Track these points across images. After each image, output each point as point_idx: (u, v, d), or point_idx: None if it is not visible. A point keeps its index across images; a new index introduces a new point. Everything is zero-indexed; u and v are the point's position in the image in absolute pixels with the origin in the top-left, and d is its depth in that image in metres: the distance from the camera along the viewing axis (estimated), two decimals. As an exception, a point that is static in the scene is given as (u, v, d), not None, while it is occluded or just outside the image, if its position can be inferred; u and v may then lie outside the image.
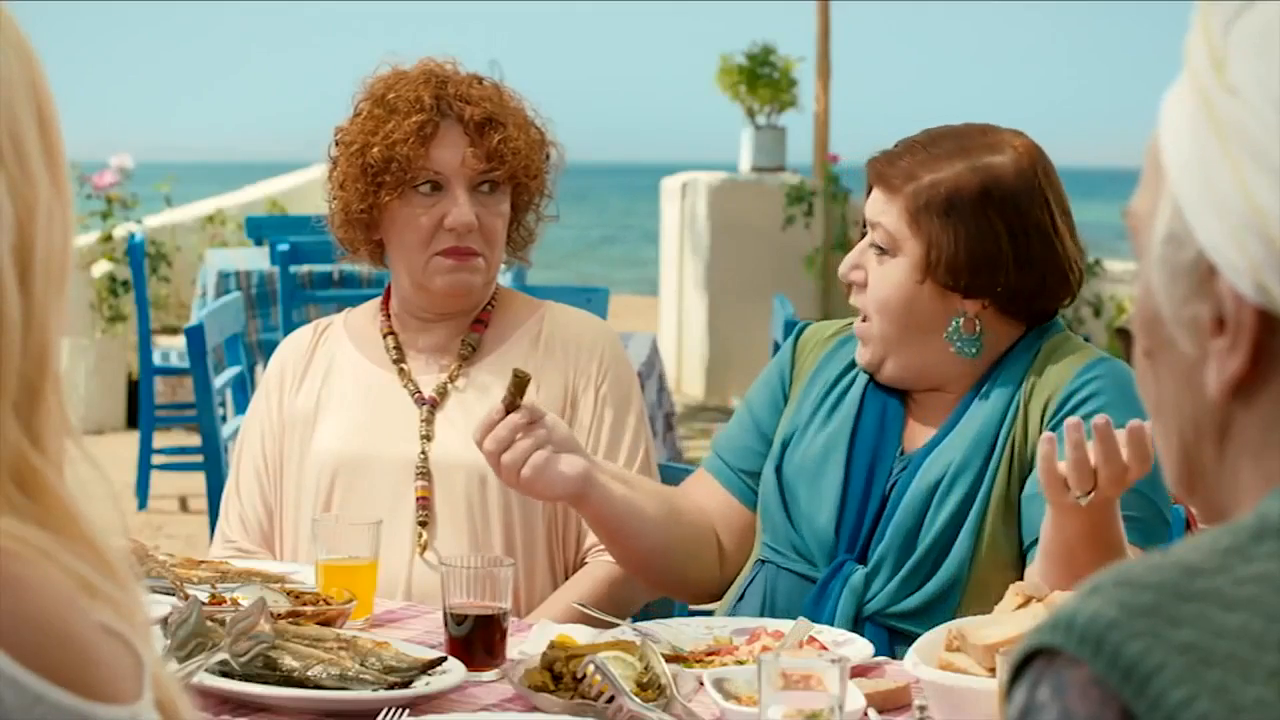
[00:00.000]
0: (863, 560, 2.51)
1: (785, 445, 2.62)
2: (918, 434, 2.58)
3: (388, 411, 2.84)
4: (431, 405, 2.83)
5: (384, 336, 2.91)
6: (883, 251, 2.53)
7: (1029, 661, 0.98)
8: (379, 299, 2.96)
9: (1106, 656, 0.94)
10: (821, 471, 2.56)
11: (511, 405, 2.46)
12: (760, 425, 2.69)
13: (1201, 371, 1.05)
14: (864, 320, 2.56)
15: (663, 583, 2.65)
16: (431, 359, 2.88)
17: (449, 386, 2.85)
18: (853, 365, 2.63)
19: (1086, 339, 2.65)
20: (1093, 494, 2.20)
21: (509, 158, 2.78)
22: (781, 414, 2.68)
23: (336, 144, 2.83)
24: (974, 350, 2.52)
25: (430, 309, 2.87)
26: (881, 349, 2.55)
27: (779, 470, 2.60)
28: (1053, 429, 2.45)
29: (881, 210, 2.53)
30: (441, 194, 2.78)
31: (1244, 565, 0.97)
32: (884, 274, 2.53)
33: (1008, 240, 2.49)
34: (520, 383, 2.46)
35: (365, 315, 2.96)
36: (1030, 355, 2.54)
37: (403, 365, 2.87)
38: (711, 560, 2.64)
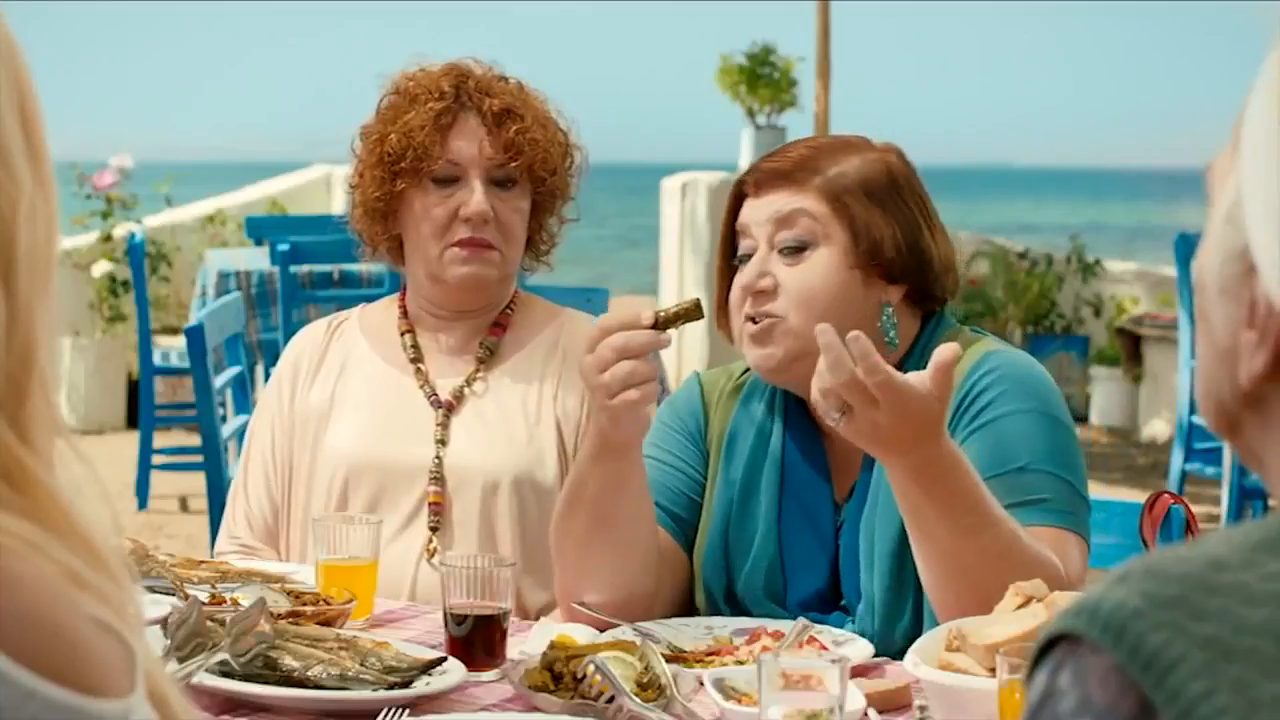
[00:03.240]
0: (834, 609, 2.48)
1: (725, 522, 2.53)
2: (844, 471, 2.53)
3: (402, 413, 2.82)
4: (447, 409, 2.82)
5: (401, 335, 2.90)
6: (799, 250, 2.46)
7: (1052, 645, 0.99)
8: (395, 296, 2.95)
9: (1128, 646, 0.95)
10: (765, 544, 2.49)
11: (665, 326, 2.31)
12: (687, 473, 2.58)
13: (1234, 356, 1.06)
14: (770, 320, 2.45)
15: (607, 582, 2.44)
16: (449, 361, 2.86)
17: (466, 391, 2.83)
18: (766, 418, 2.56)
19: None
20: (846, 414, 2.17)
21: (525, 149, 2.76)
22: (706, 465, 2.59)
23: (359, 138, 2.84)
24: (896, 342, 2.50)
25: (447, 305, 2.86)
26: (802, 345, 2.42)
27: (726, 550, 2.52)
28: (951, 434, 2.44)
29: (792, 205, 2.47)
30: (458, 185, 2.78)
31: (1272, 562, 0.98)
32: (808, 269, 2.46)
33: (923, 224, 2.52)
34: (691, 314, 2.32)
35: (382, 312, 2.95)
36: (927, 356, 2.48)
37: (420, 365, 2.86)
38: (654, 587, 2.49)
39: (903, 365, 2.47)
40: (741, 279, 2.50)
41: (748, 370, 2.62)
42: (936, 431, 2.20)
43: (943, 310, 2.56)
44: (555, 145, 2.81)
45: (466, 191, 2.77)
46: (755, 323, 2.48)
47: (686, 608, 2.56)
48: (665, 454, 2.59)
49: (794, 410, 2.56)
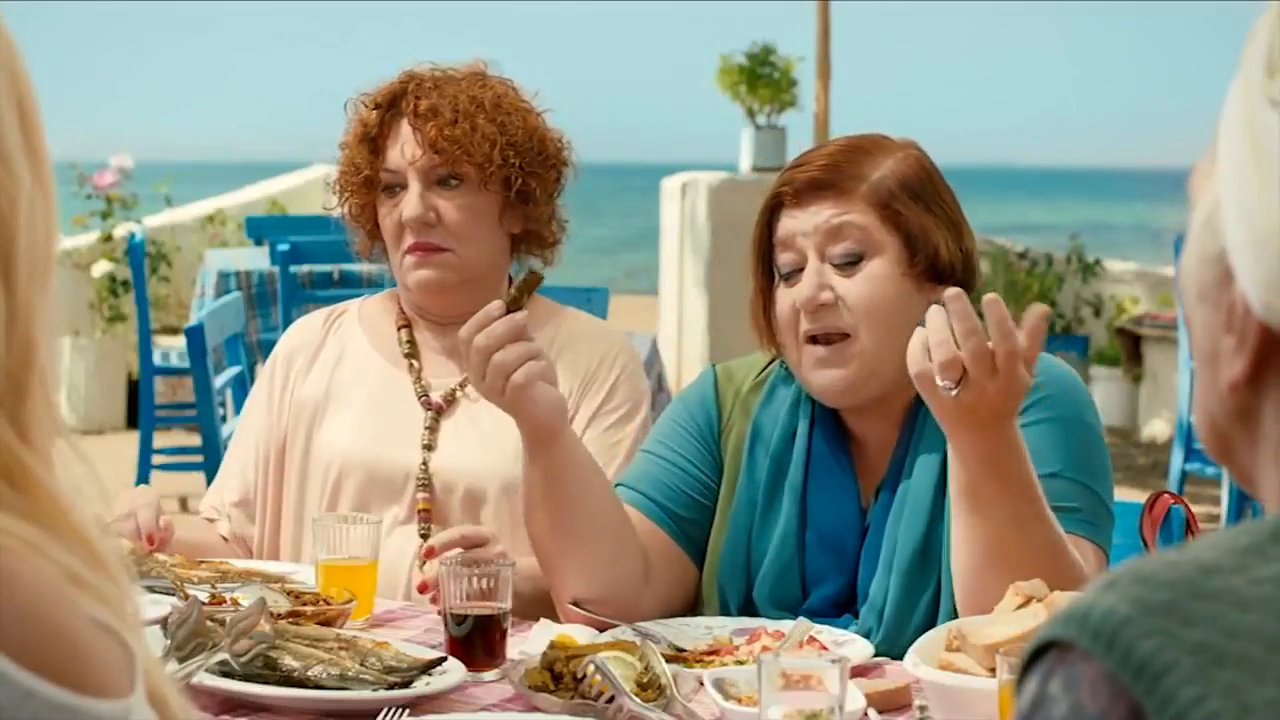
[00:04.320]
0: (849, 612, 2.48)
1: (749, 525, 2.50)
2: (870, 474, 2.51)
3: (394, 412, 2.80)
4: (437, 411, 2.80)
5: (398, 329, 2.89)
6: (854, 261, 2.43)
7: (1042, 653, 0.98)
8: (395, 290, 2.93)
9: (1119, 653, 0.94)
10: (786, 548, 2.48)
11: (515, 305, 2.34)
12: (691, 472, 2.54)
13: (1216, 361, 1.06)
14: (840, 339, 2.42)
15: (585, 573, 2.42)
16: (444, 361, 2.84)
17: (458, 394, 2.81)
18: (790, 418, 2.52)
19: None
20: (961, 384, 2.15)
21: (445, 146, 2.73)
22: (718, 466, 2.55)
23: None
24: None
25: (426, 310, 2.85)
26: (871, 364, 2.42)
27: (748, 554, 2.50)
28: None
29: (841, 217, 2.43)
30: (403, 192, 2.78)
31: (1261, 565, 0.97)
32: (866, 281, 2.42)
33: (960, 219, 2.50)
34: (531, 282, 2.36)
35: (380, 306, 2.94)
36: None
37: (414, 361, 2.85)
38: (639, 574, 2.47)
39: None
40: (800, 293, 2.44)
41: (769, 365, 2.59)
42: (1016, 409, 2.20)
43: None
44: (490, 136, 2.74)
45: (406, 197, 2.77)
46: (817, 343, 2.43)
47: (688, 608, 2.55)
48: (669, 451, 2.56)
49: (821, 410, 2.52)
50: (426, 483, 2.75)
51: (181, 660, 2.10)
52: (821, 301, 2.43)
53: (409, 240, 2.77)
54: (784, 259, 2.48)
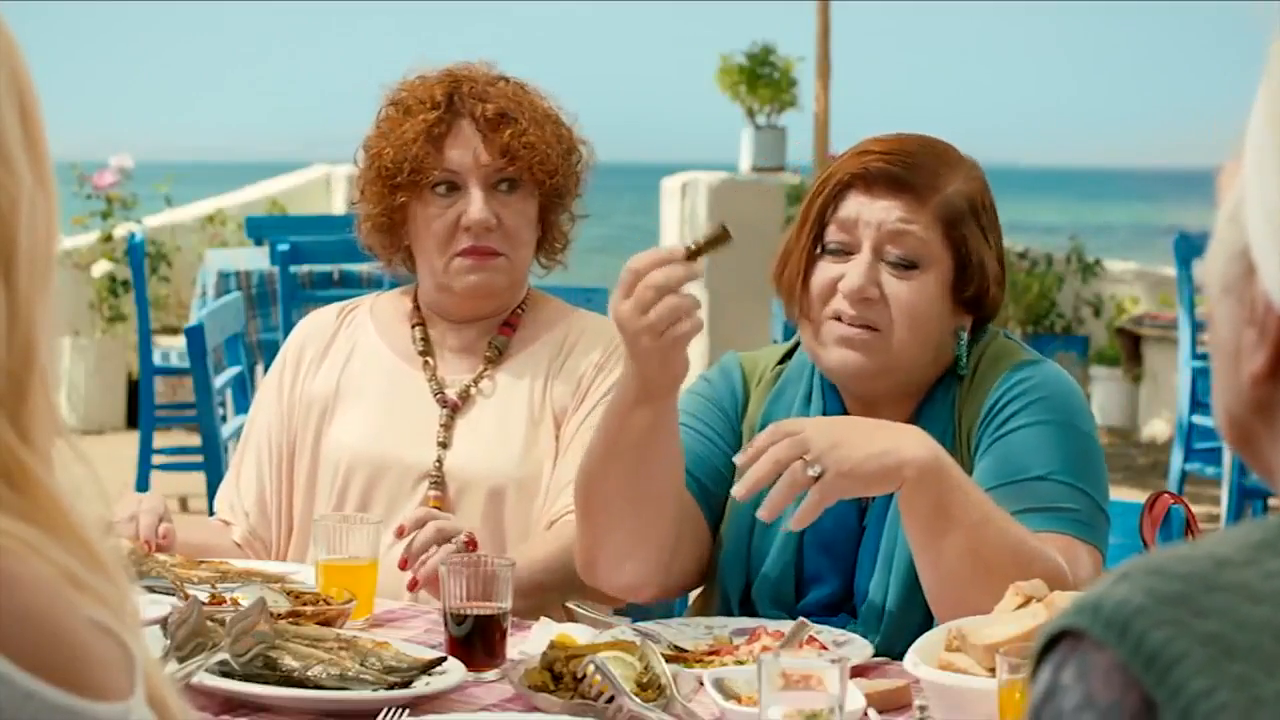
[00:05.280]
0: (846, 613, 2.48)
1: (750, 526, 2.48)
2: None
3: (408, 409, 2.80)
4: (453, 409, 2.80)
5: (412, 327, 2.88)
6: (908, 266, 2.43)
7: (1055, 643, 0.99)
8: (410, 287, 2.91)
9: (1131, 643, 0.95)
10: (786, 547, 2.48)
11: (695, 255, 2.27)
12: (719, 444, 2.53)
13: (1238, 356, 1.07)
14: (873, 333, 2.43)
15: (647, 526, 2.41)
16: (458, 359, 2.84)
17: (472, 390, 2.81)
18: (800, 413, 2.51)
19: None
20: (808, 462, 2.22)
21: (522, 153, 2.74)
22: (739, 446, 2.51)
23: (361, 151, 2.83)
24: (967, 368, 2.49)
25: (456, 312, 2.84)
26: (890, 362, 2.43)
27: (749, 553, 2.50)
28: (977, 444, 2.44)
29: (908, 224, 2.43)
30: (459, 193, 2.76)
31: (1273, 559, 0.98)
32: (916, 289, 2.43)
33: (1002, 253, 2.51)
34: (720, 238, 2.30)
35: (393, 303, 2.92)
36: (980, 370, 2.49)
37: (428, 359, 2.84)
38: (675, 537, 2.47)
39: (932, 392, 2.49)
40: (848, 282, 2.43)
41: (784, 361, 2.59)
42: (870, 423, 2.27)
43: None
44: (554, 145, 2.77)
45: (466, 200, 2.75)
46: (847, 324, 2.44)
47: (701, 579, 2.54)
48: (702, 424, 2.54)
49: (828, 409, 2.52)
50: (439, 480, 2.75)
51: (181, 660, 2.10)
52: (867, 295, 2.43)
53: (464, 243, 2.76)
54: (837, 237, 2.47)
